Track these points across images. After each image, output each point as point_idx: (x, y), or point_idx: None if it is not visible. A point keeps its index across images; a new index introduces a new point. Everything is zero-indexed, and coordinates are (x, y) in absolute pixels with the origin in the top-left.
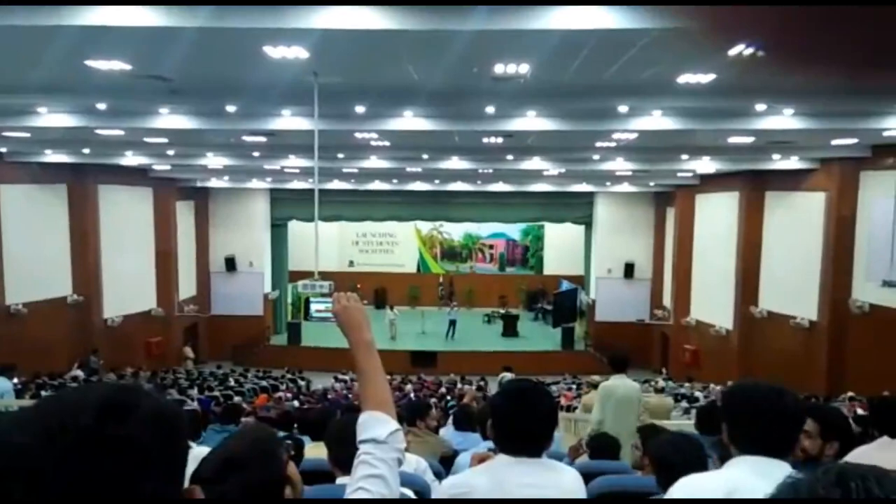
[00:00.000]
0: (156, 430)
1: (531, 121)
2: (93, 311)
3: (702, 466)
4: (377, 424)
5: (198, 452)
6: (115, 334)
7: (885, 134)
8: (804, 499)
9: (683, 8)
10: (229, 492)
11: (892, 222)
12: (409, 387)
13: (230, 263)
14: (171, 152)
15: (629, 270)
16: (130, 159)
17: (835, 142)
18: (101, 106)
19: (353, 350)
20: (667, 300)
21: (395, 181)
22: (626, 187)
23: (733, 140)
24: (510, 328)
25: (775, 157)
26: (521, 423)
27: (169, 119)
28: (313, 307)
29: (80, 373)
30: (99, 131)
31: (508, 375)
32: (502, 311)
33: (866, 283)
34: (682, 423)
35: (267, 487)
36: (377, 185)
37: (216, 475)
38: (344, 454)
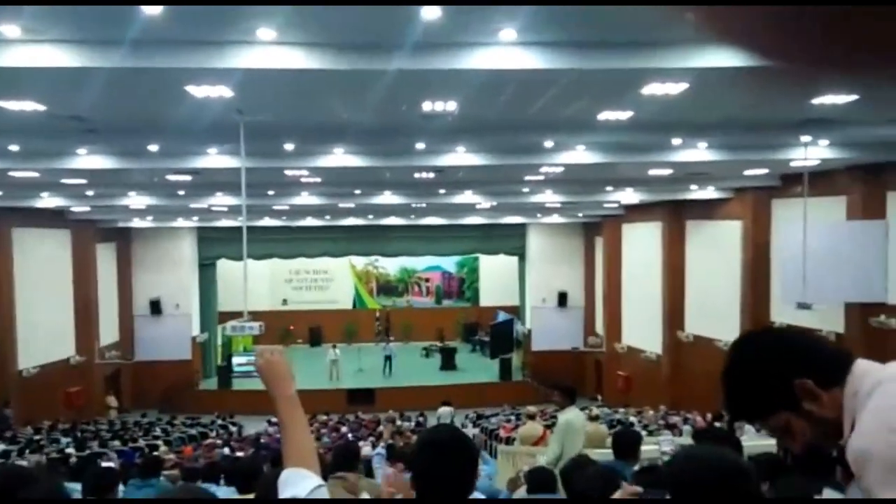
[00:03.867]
0: None
1: (461, 156)
2: (7, 362)
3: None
4: (299, 481)
5: None
6: (31, 385)
7: (792, 164)
8: None
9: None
10: None
11: (803, 247)
12: (344, 428)
13: (155, 306)
14: (90, 193)
15: (563, 299)
16: (47, 201)
17: (747, 172)
18: (14, 147)
19: (276, 404)
20: (599, 327)
21: (327, 217)
22: (556, 218)
23: (653, 172)
24: (448, 361)
25: (693, 187)
26: (440, 474)
27: (87, 160)
28: (235, 361)
29: None
30: (12, 173)
31: (447, 410)
32: (440, 344)
33: (783, 306)
34: None
35: None
36: (309, 221)
37: None
38: None
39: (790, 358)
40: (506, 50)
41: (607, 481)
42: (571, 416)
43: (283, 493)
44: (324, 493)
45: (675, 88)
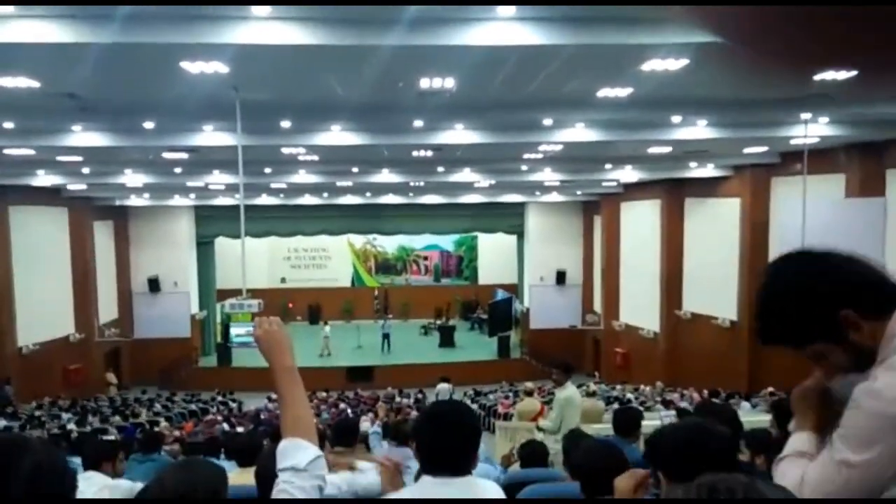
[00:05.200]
0: (35, 488)
1: (459, 134)
2: (5, 339)
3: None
4: (297, 451)
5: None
6: (31, 362)
7: (792, 142)
8: None
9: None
10: None
11: (801, 225)
12: (343, 404)
13: (153, 284)
14: (86, 171)
15: (561, 278)
16: (42, 179)
17: (747, 150)
18: (9, 124)
19: (275, 375)
20: (597, 305)
21: (325, 195)
22: (554, 197)
23: (652, 150)
24: (447, 339)
25: (692, 165)
26: (442, 445)
27: (82, 137)
28: (233, 331)
29: None
30: (7, 151)
31: (445, 387)
32: (439, 322)
33: None
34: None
35: None
36: (307, 199)
37: None
38: (270, 486)
39: (838, 286)
40: (504, 25)
41: (608, 454)
42: (570, 392)
43: (282, 464)
44: (322, 464)
45: (675, 64)
